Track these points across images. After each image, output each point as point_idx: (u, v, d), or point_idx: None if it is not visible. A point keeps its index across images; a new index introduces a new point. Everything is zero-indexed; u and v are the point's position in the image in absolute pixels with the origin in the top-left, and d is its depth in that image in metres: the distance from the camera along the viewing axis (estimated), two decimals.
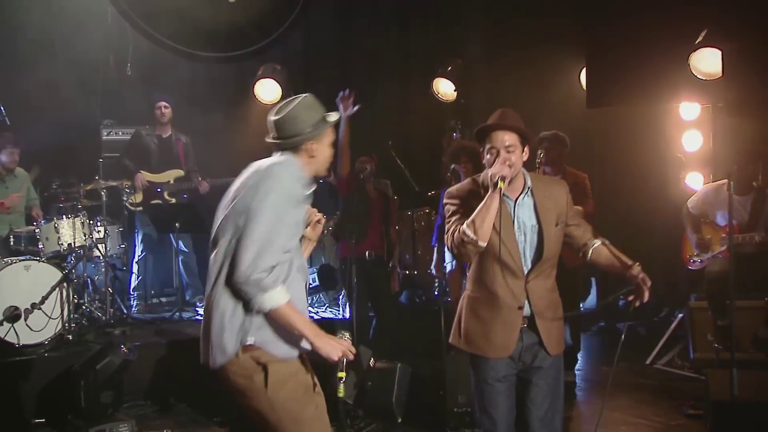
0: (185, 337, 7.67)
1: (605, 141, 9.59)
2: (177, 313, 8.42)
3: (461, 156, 7.09)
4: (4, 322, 6.83)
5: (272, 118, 3.82)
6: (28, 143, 8.37)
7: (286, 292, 3.52)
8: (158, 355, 7.18)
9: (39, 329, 7.04)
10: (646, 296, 3.99)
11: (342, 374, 3.83)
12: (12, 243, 7.71)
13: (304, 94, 3.93)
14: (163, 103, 8.88)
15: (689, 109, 8.77)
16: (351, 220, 7.21)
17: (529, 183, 4.07)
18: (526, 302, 4.04)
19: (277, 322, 3.58)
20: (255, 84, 9.51)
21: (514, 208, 4.04)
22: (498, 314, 4.06)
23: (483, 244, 3.86)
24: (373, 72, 10.66)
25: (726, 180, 6.82)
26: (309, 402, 3.72)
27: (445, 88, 9.52)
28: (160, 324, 8.26)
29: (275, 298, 3.47)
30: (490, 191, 3.86)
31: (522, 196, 4.05)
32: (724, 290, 6.65)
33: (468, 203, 4.02)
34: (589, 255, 4.12)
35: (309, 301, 6.59)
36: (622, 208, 9.03)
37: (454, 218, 4.08)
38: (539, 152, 7.40)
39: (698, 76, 7.51)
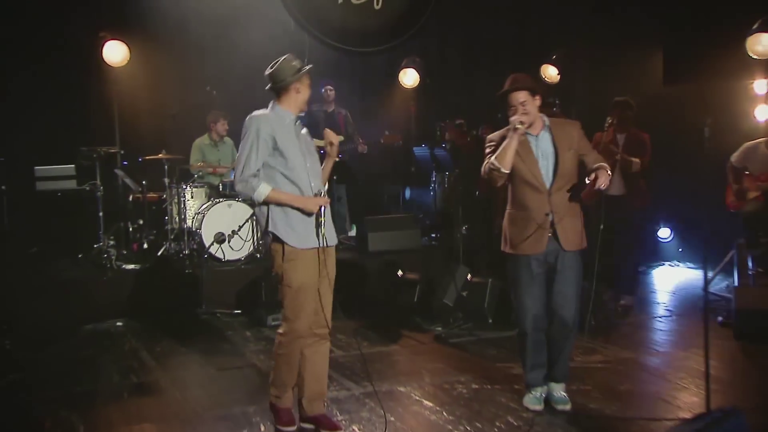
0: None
1: (682, 114, 9.02)
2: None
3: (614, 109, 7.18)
4: (214, 243, 7.75)
5: (267, 72, 4.27)
6: (234, 118, 8.56)
7: (268, 185, 4.11)
8: None
9: (238, 249, 7.89)
10: (602, 181, 4.35)
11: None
12: (220, 189, 8.31)
13: (286, 54, 4.38)
14: (329, 86, 9.36)
15: (761, 86, 8.51)
16: None
17: (547, 123, 4.53)
18: (550, 211, 4.47)
19: (284, 218, 4.15)
20: (399, 72, 10.04)
21: (537, 142, 4.49)
22: (531, 222, 4.51)
23: (505, 171, 4.37)
24: (494, 59, 10.69)
25: (764, 138, 7.19)
26: (306, 276, 4.21)
27: (551, 72, 9.69)
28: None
29: (261, 192, 4.11)
30: (510, 134, 4.38)
31: (542, 132, 4.51)
32: (757, 226, 7.03)
33: (500, 144, 4.48)
34: (593, 171, 4.45)
35: None
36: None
37: (489, 154, 4.54)
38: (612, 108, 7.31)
39: (754, 56, 7.70)
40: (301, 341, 4.25)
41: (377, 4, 10.38)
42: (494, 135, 4.65)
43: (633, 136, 7.09)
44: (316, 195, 4.17)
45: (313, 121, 9.12)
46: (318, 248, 4.17)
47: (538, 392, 4.60)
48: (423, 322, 6.85)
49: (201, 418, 4.65)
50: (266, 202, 4.15)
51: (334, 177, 8.90)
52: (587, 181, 4.43)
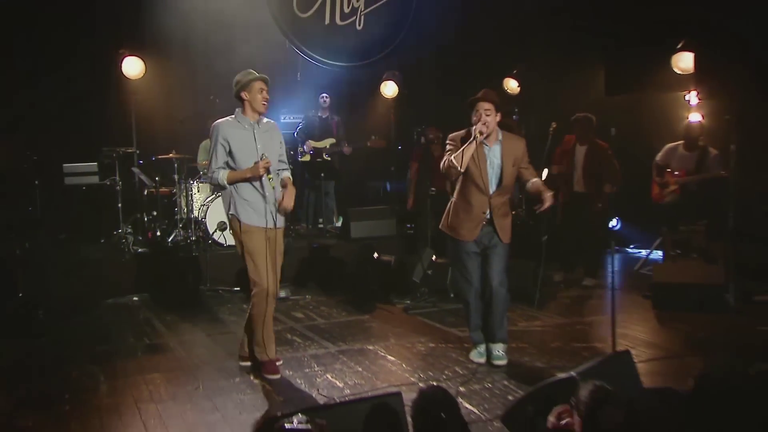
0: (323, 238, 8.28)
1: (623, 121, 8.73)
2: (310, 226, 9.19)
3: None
4: (217, 231, 7.82)
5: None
6: None
7: (225, 171, 4.50)
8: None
9: None
10: (546, 206, 4.66)
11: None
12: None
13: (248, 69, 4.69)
14: (325, 95, 9.28)
15: (693, 97, 8.23)
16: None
17: (500, 137, 4.70)
18: (488, 210, 4.72)
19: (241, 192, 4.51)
20: (380, 84, 9.94)
21: (489, 152, 4.67)
22: (470, 215, 4.75)
23: (461, 169, 4.56)
24: (463, 73, 10.35)
25: (682, 141, 7.27)
26: (257, 245, 4.57)
27: (512, 85, 9.67)
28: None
29: (221, 177, 4.51)
30: (471, 140, 4.56)
31: (495, 144, 4.69)
32: (676, 214, 7.13)
33: (459, 145, 4.64)
34: (528, 186, 4.79)
35: None
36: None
37: (449, 151, 4.71)
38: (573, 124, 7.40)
39: (678, 72, 7.86)
40: (269, 298, 4.57)
41: (359, 25, 10.51)
42: (455, 135, 4.80)
43: (594, 147, 7.21)
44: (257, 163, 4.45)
45: (311, 125, 9.21)
46: (265, 228, 4.55)
47: (482, 348, 4.88)
48: (394, 297, 6.95)
49: (201, 369, 4.91)
50: (229, 183, 4.53)
51: (322, 174, 8.98)
52: (537, 209, 4.77)
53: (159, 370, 4.93)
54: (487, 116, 4.58)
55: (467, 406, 4.06)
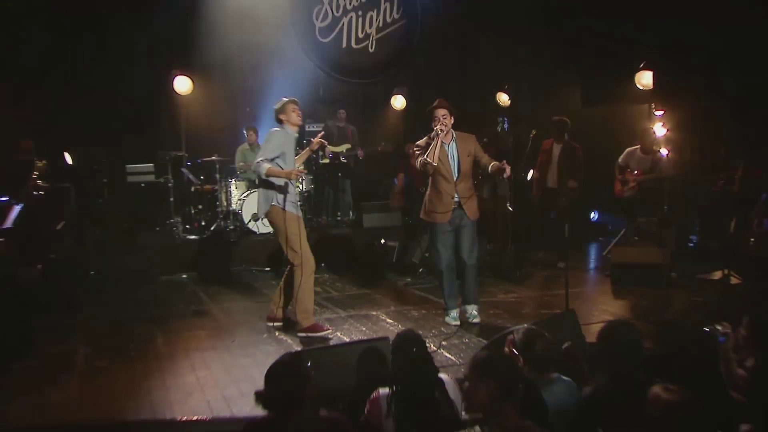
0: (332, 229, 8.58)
1: (597, 129, 9.14)
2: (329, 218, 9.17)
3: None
4: (251, 221, 7.90)
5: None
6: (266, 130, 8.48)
7: (268, 166, 4.73)
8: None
9: (268, 225, 6.91)
10: (508, 172, 4.89)
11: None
12: (256, 182, 7.27)
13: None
14: (342, 110, 9.40)
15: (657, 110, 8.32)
16: None
17: (454, 136, 5.04)
18: (456, 194, 5.02)
19: (280, 187, 4.78)
20: (390, 98, 10.03)
21: (449, 148, 5.01)
22: (442, 201, 5.05)
23: (434, 163, 4.87)
24: (462, 88, 10.55)
25: (639, 145, 7.26)
26: (301, 230, 4.88)
27: (504, 98, 9.58)
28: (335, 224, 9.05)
29: (263, 167, 4.75)
30: (435, 139, 4.89)
31: (451, 142, 5.03)
32: (634, 207, 7.22)
33: (424, 148, 4.98)
34: (489, 169, 5.04)
35: None
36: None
37: (418, 154, 5.02)
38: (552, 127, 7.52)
39: (640, 87, 8.02)
40: (314, 268, 4.89)
41: (371, 48, 10.56)
42: (420, 142, 5.13)
43: (567, 146, 7.41)
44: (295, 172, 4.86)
45: (329, 133, 9.06)
46: (296, 214, 4.93)
47: (454, 313, 5.20)
48: (397, 275, 7.16)
49: (236, 328, 5.28)
50: (266, 175, 4.81)
51: (339, 174, 9.11)
52: (505, 177, 5.04)
53: (203, 329, 5.31)
54: (444, 119, 4.95)
55: (447, 355, 4.41)
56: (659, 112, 8.32)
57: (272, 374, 2.65)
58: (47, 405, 3.78)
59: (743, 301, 5.64)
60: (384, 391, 3.00)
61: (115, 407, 3.75)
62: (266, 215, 4.97)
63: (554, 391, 3.04)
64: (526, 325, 3.23)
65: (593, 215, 10.06)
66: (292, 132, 5.04)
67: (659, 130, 7.99)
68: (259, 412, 2.69)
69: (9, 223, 4.56)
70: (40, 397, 3.90)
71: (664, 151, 7.71)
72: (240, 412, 3.64)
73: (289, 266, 5.04)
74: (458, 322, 5.15)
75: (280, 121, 5.04)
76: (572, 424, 2.90)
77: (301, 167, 5.07)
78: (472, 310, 5.23)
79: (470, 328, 5.09)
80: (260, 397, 2.62)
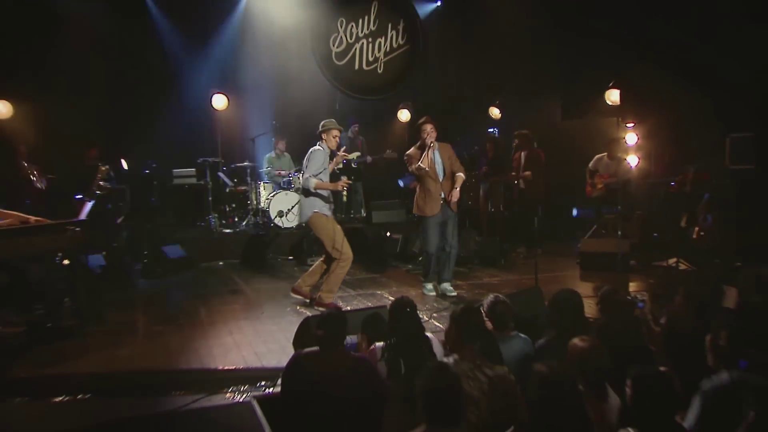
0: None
1: (575, 138, 9.26)
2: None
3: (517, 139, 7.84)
4: (277, 217, 8.02)
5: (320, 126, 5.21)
6: (290, 142, 8.86)
7: (315, 180, 5.08)
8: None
9: (291, 221, 8.10)
10: (453, 200, 5.30)
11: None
12: (281, 185, 8.43)
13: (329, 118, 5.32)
14: (355, 125, 9.45)
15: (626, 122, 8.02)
16: None
17: (436, 146, 5.45)
18: (441, 192, 5.40)
19: (322, 196, 5.10)
20: (397, 112, 10.26)
21: (434, 155, 5.42)
22: (431, 198, 5.45)
23: (427, 168, 5.32)
24: (458, 103, 10.80)
25: (606, 153, 7.55)
26: (335, 231, 5.19)
27: (495, 113, 9.91)
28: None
29: (312, 183, 5.12)
30: (427, 148, 5.32)
31: (435, 151, 5.44)
32: (602, 206, 7.49)
33: (416, 155, 5.38)
34: (455, 176, 5.37)
35: None
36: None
37: (413, 161, 5.41)
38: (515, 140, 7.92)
39: (609, 103, 8.12)
40: (350, 262, 5.25)
41: (380, 70, 10.69)
42: (411, 151, 5.56)
43: (532, 153, 7.78)
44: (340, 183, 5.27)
45: (343, 142, 8.93)
46: (332, 217, 5.27)
47: (430, 285, 5.66)
48: (400, 263, 7.42)
49: (265, 304, 5.66)
50: (315, 189, 5.19)
51: (352, 177, 9.04)
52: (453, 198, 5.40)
53: (237, 303, 5.73)
54: (431, 132, 5.39)
55: (436, 324, 4.78)
56: (630, 124, 8.24)
57: (325, 319, 3.20)
58: (117, 358, 4.30)
59: (684, 283, 5.92)
60: (380, 344, 3.48)
61: (171, 360, 4.26)
62: (308, 220, 5.28)
63: (513, 343, 3.55)
64: (492, 295, 3.70)
65: (574, 212, 10.27)
66: (328, 150, 5.34)
67: (631, 139, 7.88)
68: (282, 363, 3.21)
69: (83, 215, 5.06)
70: (111, 352, 4.40)
71: (635, 157, 7.81)
72: (268, 364, 4.13)
73: (324, 256, 5.39)
74: (434, 293, 5.62)
75: (320, 137, 5.29)
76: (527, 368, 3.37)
77: (344, 177, 5.41)
78: (449, 285, 5.67)
79: (457, 302, 5.42)
80: (314, 337, 3.15)
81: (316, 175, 5.21)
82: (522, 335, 3.63)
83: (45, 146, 7.28)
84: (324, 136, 5.27)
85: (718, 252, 6.66)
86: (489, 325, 3.60)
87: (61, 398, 3.69)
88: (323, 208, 5.23)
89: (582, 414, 2.41)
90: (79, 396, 3.68)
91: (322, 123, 5.35)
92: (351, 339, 3.51)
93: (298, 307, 5.52)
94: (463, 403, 2.46)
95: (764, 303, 3.62)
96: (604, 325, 3.56)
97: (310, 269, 5.59)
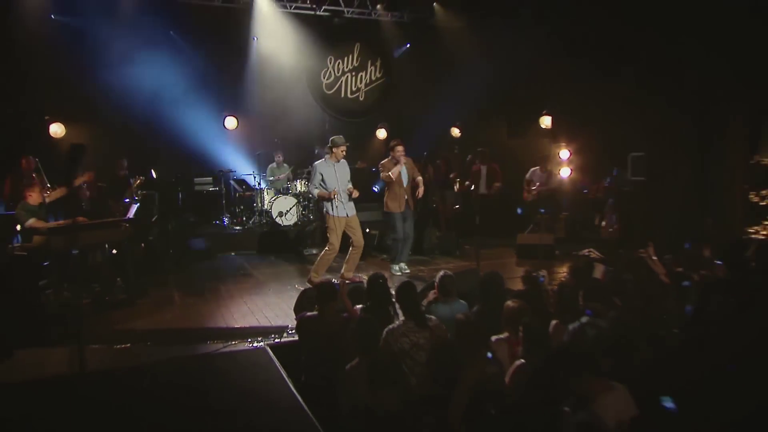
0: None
1: (518, 154, 9.59)
2: None
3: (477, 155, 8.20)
4: (278, 217, 8.25)
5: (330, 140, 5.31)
6: (288, 154, 9.09)
7: (318, 191, 5.32)
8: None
9: (289, 220, 8.36)
10: (419, 196, 5.76)
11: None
12: (281, 190, 8.55)
13: (338, 135, 5.40)
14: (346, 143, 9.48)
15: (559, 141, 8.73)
16: None
17: (404, 161, 6.01)
18: (405, 195, 5.96)
19: (322, 201, 5.37)
20: (375, 131, 10.46)
21: (402, 169, 5.98)
22: (397, 198, 6.02)
23: (394, 178, 5.91)
24: (425, 125, 9.99)
25: (539, 166, 8.02)
26: (336, 227, 5.45)
27: (456, 132, 10.06)
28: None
29: (315, 193, 5.46)
30: (398, 164, 5.87)
31: (403, 165, 6.01)
32: (534, 209, 8.00)
33: (389, 167, 5.91)
34: (415, 180, 5.84)
35: None
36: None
37: (384, 171, 5.95)
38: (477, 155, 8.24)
39: (543, 127, 8.92)
40: (335, 253, 5.62)
41: (361, 98, 10.93)
42: (385, 162, 6.12)
43: (491, 167, 8.28)
44: (332, 191, 5.36)
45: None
46: (336, 216, 5.48)
47: (397, 267, 6.22)
48: (377, 253, 7.56)
49: (271, 285, 6.08)
50: (318, 198, 5.56)
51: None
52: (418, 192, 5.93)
53: (249, 284, 6.23)
54: (402, 152, 5.99)
55: None
56: (562, 143, 8.96)
57: (321, 286, 3.93)
58: (163, 320, 4.96)
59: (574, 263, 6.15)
60: (359, 306, 4.20)
61: (202, 321, 4.92)
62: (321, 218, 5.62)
63: (455, 307, 4.22)
64: (443, 271, 4.42)
65: (519, 211, 10.91)
66: (331, 161, 5.49)
67: (564, 154, 8.47)
68: (286, 324, 4.06)
69: (131, 214, 5.67)
70: (158, 316, 5.04)
71: (568, 169, 8.28)
72: (275, 324, 4.82)
73: (350, 249, 5.65)
74: (400, 273, 6.17)
75: (330, 149, 5.46)
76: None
77: (350, 185, 5.52)
78: (405, 266, 6.29)
79: (417, 280, 5.86)
80: (310, 304, 3.84)
81: (317, 185, 5.47)
82: (462, 301, 4.31)
83: (90, 159, 7.68)
84: (334, 150, 5.38)
85: (620, 243, 7.31)
86: (438, 292, 4.28)
87: (125, 345, 4.33)
88: (329, 209, 5.50)
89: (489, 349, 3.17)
90: (139, 344, 4.32)
91: (331, 139, 5.42)
92: None
93: (296, 285, 6.05)
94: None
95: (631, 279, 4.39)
96: (523, 294, 4.30)
97: (347, 258, 5.72)
